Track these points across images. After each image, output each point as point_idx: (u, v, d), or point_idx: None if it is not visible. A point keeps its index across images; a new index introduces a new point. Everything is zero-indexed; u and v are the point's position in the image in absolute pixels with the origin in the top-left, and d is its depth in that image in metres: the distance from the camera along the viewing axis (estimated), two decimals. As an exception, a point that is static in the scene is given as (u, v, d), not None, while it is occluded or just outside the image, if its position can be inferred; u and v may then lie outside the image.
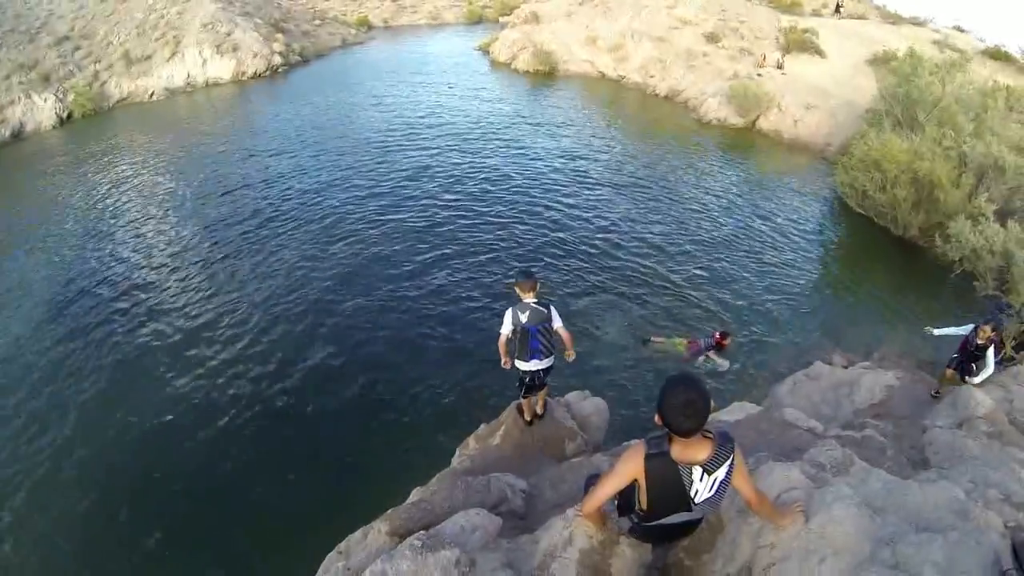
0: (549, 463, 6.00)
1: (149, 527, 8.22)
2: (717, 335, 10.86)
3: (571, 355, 5.91)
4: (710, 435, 2.79)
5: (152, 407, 10.24)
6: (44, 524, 8.37)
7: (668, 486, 2.81)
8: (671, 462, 2.76)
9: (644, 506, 2.97)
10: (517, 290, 5.58)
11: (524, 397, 6.30)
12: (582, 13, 34.88)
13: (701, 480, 2.78)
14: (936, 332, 8.25)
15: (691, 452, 2.76)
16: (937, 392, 8.10)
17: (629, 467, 2.87)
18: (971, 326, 7.58)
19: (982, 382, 7.75)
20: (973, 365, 7.96)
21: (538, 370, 5.86)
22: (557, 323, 5.67)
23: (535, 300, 5.54)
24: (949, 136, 16.02)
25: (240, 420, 9.95)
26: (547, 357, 5.81)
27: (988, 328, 7.16)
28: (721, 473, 2.80)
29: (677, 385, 2.66)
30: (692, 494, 2.82)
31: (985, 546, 3.27)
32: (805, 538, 3.33)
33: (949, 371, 7.96)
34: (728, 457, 2.81)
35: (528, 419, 6.56)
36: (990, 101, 18.13)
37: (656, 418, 2.69)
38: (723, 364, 10.95)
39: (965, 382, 7.94)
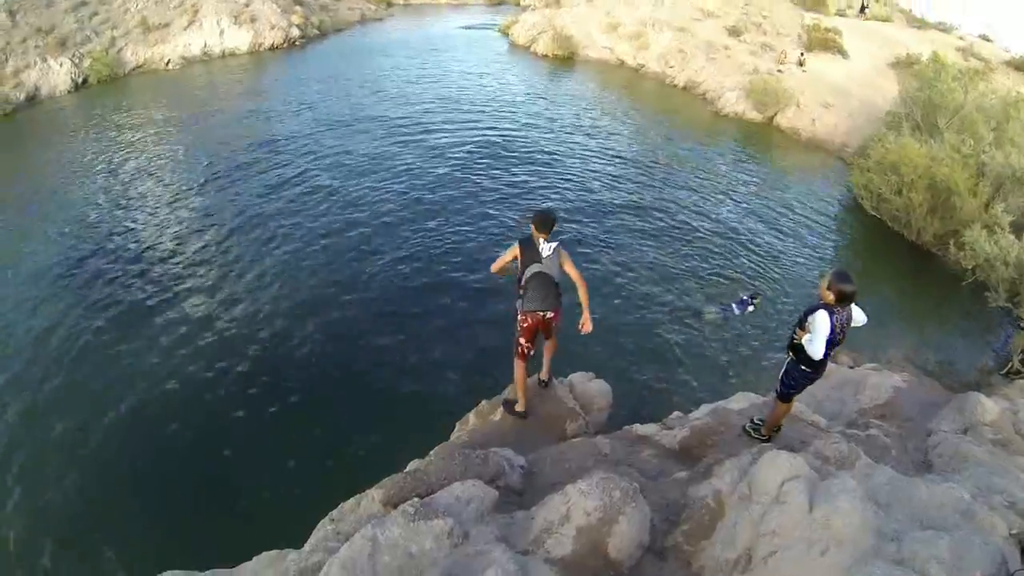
0: (549, 442, 5.93)
1: (144, 493, 8.20)
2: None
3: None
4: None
5: (154, 377, 10.18)
6: (38, 499, 8.27)
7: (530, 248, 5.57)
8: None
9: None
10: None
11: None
12: (604, -1, 34.49)
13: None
14: None
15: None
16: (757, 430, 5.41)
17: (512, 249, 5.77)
18: None
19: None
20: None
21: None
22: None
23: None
24: (968, 144, 15.79)
25: (239, 392, 9.89)
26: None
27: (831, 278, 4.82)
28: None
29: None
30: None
31: (992, 546, 3.20)
32: (808, 527, 3.27)
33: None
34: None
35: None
36: (1012, 111, 17.85)
37: None
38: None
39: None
